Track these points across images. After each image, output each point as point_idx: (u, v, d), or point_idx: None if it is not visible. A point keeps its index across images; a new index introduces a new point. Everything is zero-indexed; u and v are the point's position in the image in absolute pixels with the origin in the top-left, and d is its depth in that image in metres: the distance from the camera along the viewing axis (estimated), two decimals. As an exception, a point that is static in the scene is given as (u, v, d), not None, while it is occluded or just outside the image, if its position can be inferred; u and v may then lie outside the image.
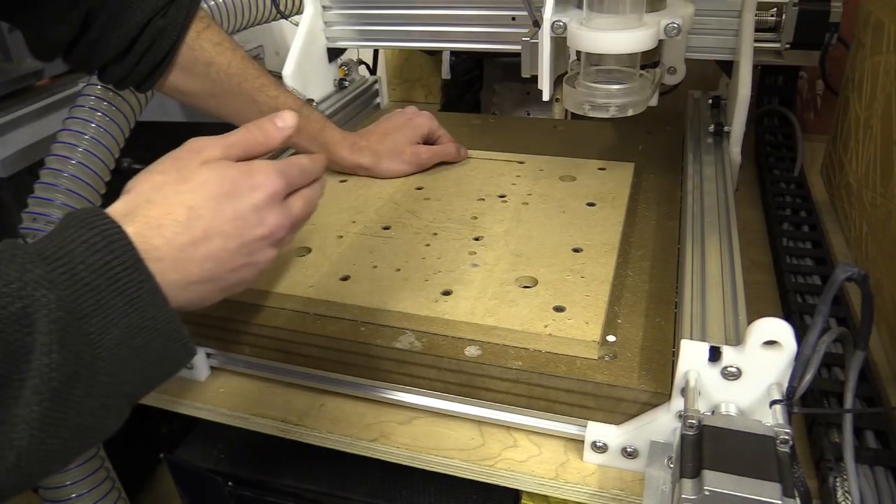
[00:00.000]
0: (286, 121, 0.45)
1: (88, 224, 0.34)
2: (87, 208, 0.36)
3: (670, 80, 0.74)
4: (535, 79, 0.61)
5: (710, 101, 0.81)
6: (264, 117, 0.45)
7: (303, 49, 0.86)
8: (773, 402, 0.39)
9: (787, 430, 0.37)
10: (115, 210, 0.37)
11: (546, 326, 0.49)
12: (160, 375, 0.38)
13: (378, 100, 1.00)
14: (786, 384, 0.39)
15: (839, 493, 0.42)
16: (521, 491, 0.49)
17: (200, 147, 0.42)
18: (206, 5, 0.91)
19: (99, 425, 0.35)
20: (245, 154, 0.43)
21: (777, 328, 0.38)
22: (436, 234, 0.62)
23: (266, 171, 0.42)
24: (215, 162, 0.41)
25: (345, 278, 0.56)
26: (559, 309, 0.51)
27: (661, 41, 0.57)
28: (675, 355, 0.45)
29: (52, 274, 0.32)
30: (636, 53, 0.58)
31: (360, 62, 1.04)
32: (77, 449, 0.35)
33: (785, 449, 0.37)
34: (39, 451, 0.31)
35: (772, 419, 0.39)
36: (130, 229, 0.35)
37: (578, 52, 0.60)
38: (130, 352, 0.34)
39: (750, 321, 0.40)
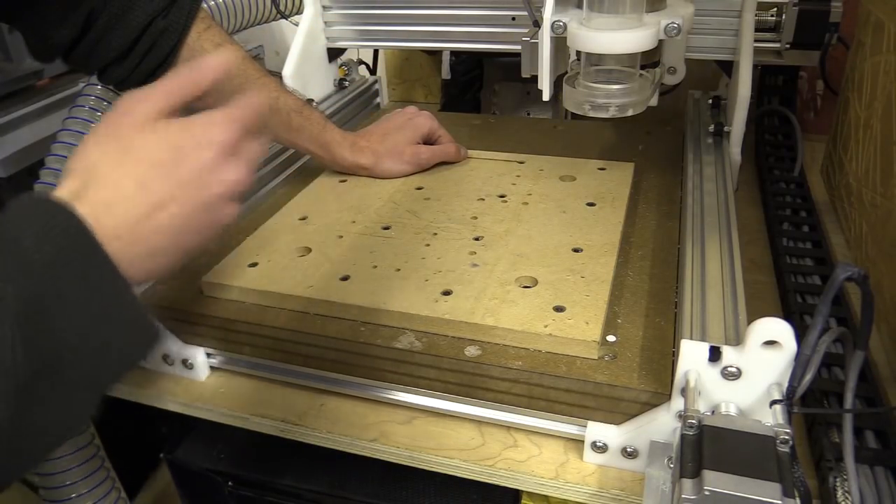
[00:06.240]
0: (218, 57, 0.41)
1: (37, 210, 0.33)
2: (32, 193, 0.34)
3: (670, 80, 0.74)
4: (535, 79, 0.61)
5: (710, 101, 0.81)
6: (200, 60, 0.42)
7: (303, 49, 0.86)
8: (773, 402, 0.39)
9: (787, 430, 0.37)
10: (62, 193, 0.35)
11: (546, 326, 0.49)
12: (127, 363, 0.36)
13: (378, 100, 1.00)
14: (786, 384, 0.39)
15: (839, 493, 0.42)
16: (521, 491, 0.49)
17: (132, 107, 0.38)
18: (206, 5, 0.91)
19: (68, 420, 0.34)
20: (181, 101, 0.40)
21: (777, 328, 0.39)
22: (436, 234, 0.62)
23: (214, 124, 0.39)
24: (153, 124, 0.38)
25: (345, 278, 0.56)
26: (559, 309, 0.51)
27: (661, 41, 0.57)
28: (675, 355, 0.45)
29: (6, 267, 0.30)
30: (636, 53, 0.58)
31: (360, 62, 1.04)
32: (47, 445, 0.34)
33: (785, 449, 0.37)
34: (8, 451, 0.30)
35: (772, 419, 0.39)
36: (82, 210, 0.33)
37: (578, 52, 0.60)
38: (96, 341, 0.33)
39: (750, 321, 0.40)
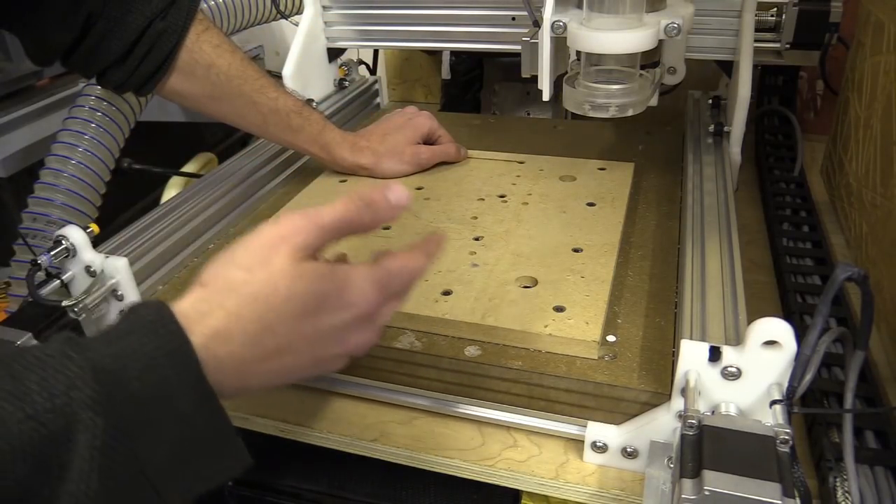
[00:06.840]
0: (399, 195, 0.39)
1: (154, 332, 0.32)
2: (158, 307, 0.33)
3: (670, 80, 0.74)
4: (535, 79, 0.61)
5: (710, 101, 0.81)
6: (374, 189, 0.39)
7: (303, 49, 0.86)
8: (773, 402, 0.39)
9: (787, 430, 0.37)
10: (186, 311, 0.34)
11: (546, 326, 0.49)
12: (209, 486, 0.35)
13: (378, 100, 1.00)
14: (786, 384, 0.39)
15: (839, 493, 0.42)
16: (521, 491, 0.49)
17: (289, 235, 0.36)
18: (206, 6, 0.91)
19: None
20: (338, 238, 0.38)
21: (777, 328, 0.38)
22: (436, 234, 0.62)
23: (364, 289, 0.37)
24: (304, 263, 0.36)
25: (345, 278, 0.56)
26: (559, 309, 0.51)
27: (661, 41, 0.57)
28: (675, 355, 0.45)
29: (104, 396, 0.29)
30: (636, 53, 0.58)
31: (360, 62, 1.04)
32: None
33: (785, 449, 0.37)
34: None
35: (772, 419, 0.39)
36: (197, 338, 0.32)
37: (578, 52, 0.60)
38: (179, 466, 0.32)
39: (750, 321, 0.40)
